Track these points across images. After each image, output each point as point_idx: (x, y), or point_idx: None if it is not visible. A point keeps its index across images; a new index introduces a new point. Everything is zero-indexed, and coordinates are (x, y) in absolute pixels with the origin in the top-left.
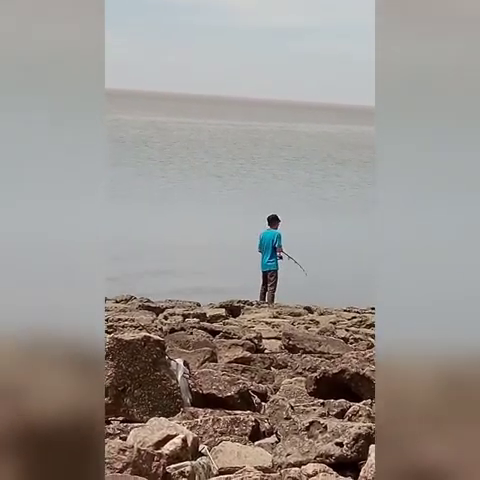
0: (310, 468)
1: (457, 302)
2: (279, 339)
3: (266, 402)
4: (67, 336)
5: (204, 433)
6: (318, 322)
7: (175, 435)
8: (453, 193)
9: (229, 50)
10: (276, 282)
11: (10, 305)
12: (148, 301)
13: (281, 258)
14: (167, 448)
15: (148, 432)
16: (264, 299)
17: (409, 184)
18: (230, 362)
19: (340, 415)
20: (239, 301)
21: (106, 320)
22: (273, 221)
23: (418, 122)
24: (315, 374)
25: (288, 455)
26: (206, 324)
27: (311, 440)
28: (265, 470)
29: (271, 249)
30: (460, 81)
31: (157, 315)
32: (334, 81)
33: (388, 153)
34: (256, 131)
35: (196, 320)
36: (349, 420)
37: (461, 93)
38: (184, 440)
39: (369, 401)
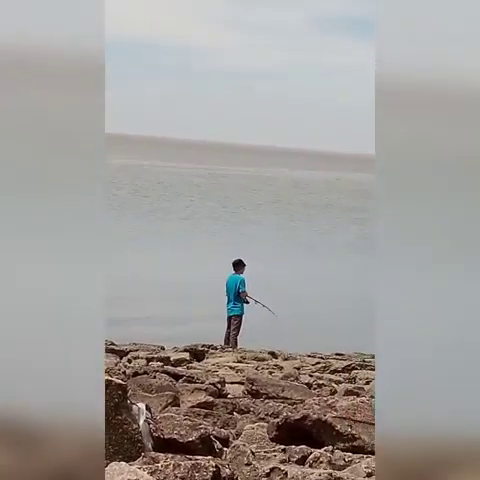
0: None
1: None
2: (242, 384)
3: (228, 447)
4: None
5: (165, 478)
6: (282, 367)
7: None
8: (454, 242)
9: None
10: (239, 327)
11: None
12: (112, 344)
13: (247, 302)
14: None
15: (108, 477)
16: (228, 343)
17: (409, 237)
18: (193, 407)
19: (301, 461)
20: (203, 345)
21: None
22: (238, 266)
23: (418, 171)
24: (277, 420)
25: None
26: (169, 368)
27: None
28: None
29: (235, 294)
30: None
31: (121, 358)
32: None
33: (388, 205)
34: (226, 176)
35: (160, 364)
36: (310, 467)
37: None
38: None
39: (330, 448)
